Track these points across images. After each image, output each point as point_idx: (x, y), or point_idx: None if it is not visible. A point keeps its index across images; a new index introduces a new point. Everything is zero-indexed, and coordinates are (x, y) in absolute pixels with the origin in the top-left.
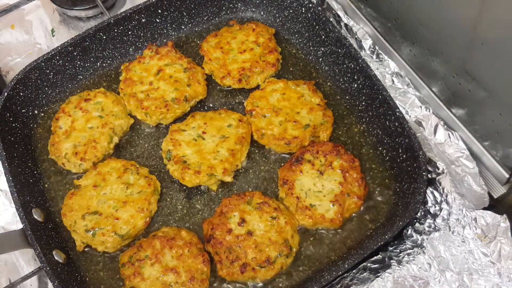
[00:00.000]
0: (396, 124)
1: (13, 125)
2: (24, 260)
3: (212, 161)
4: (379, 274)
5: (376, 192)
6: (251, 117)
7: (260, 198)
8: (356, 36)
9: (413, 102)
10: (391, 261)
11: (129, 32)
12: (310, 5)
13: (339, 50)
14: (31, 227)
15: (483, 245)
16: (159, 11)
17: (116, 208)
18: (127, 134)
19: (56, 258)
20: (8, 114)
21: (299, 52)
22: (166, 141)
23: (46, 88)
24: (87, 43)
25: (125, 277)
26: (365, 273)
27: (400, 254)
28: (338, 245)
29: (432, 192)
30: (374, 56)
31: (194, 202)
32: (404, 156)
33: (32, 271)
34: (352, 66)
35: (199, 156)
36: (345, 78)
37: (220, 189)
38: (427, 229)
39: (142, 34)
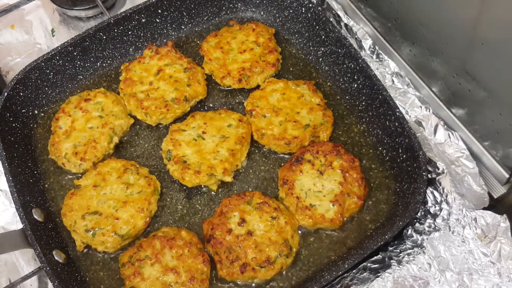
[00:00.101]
0: (396, 124)
1: (13, 125)
2: (24, 260)
3: (212, 161)
4: (379, 274)
5: (376, 192)
6: (251, 117)
7: (260, 198)
8: (356, 36)
9: (413, 102)
10: (391, 261)
11: (129, 32)
12: (310, 5)
13: (339, 50)
14: (31, 227)
15: (483, 245)
16: (159, 11)
17: (116, 208)
18: (127, 134)
19: (56, 258)
20: (8, 114)
21: (299, 52)
22: (166, 141)
23: (46, 88)
24: (87, 43)
25: (125, 277)
26: (365, 273)
27: (400, 254)
28: (338, 245)
29: (432, 192)
30: (374, 56)
31: (194, 202)
32: (404, 156)
33: (32, 271)
34: (352, 66)
35: (199, 156)
36: (345, 78)
37: (220, 189)
38: (427, 229)
39: (142, 34)
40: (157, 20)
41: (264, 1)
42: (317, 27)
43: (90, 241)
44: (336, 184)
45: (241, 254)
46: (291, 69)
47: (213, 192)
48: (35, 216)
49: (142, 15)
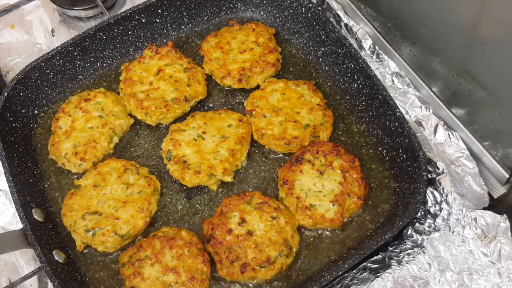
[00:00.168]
0: (396, 124)
1: (13, 125)
2: (24, 260)
3: (212, 161)
4: (379, 274)
5: (376, 192)
6: (251, 117)
7: (260, 198)
8: (356, 36)
9: (413, 102)
10: (391, 261)
11: (129, 32)
12: (310, 5)
13: (339, 50)
14: (31, 227)
15: (483, 245)
16: (159, 11)
17: (116, 208)
18: (127, 134)
19: (56, 258)
20: (8, 114)
21: (299, 52)
22: (166, 141)
23: (46, 88)
24: (87, 43)
25: (125, 277)
26: (365, 273)
27: (400, 254)
28: (338, 245)
29: (432, 192)
30: (374, 56)
31: (194, 202)
32: (404, 156)
33: (32, 271)
34: (352, 66)
35: (199, 156)
36: (345, 78)
37: (220, 189)
38: (427, 229)
39: (142, 34)
40: (157, 20)
41: (264, 1)
42: (317, 27)
43: (90, 241)
44: (336, 184)
45: (241, 254)
46: (291, 69)
47: (213, 192)
48: (35, 216)
49: (142, 15)
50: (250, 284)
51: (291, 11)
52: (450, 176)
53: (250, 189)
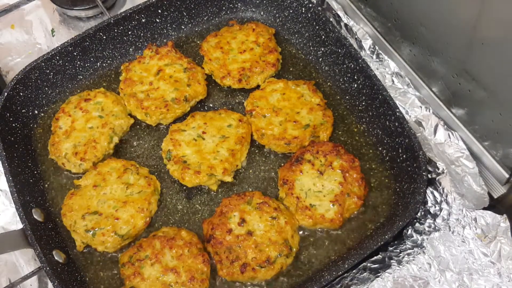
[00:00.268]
0: (396, 124)
1: (13, 125)
2: (24, 260)
3: (212, 161)
4: (379, 274)
5: (376, 192)
6: (251, 117)
7: (260, 198)
8: (356, 36)
9: (413, 102)
10: (391, 261)
11: (129, 32)
12: (310, 5)
13: (339, 50)
14: (31, 227)
15: (483, 245)
16: (159, 11)
17: (116, 208)
18: (127, 134)
19: (56, 258)
20: (8, 114)
21: (299, 52)
22: (166, 141)
23: (46, 88)
24: (87, 43)
25: (125, 277)
26: (365, 273)
27: (400, 254)
28: (338, 245)
29: (432, 192)
30: (374, 56)
31: (194, 202)
32: (404, 156)
33: (32, 271)
34: (352, 66)
35: (199, 156)
36: (345, 78)
37: (220, 189)
38: (427, 229)
39: (142, 34)
40: (157, 20)
41: (264, 1)
42: (317, 27)
43: (90, 241)
44: (336, 184)
45: (241, 254)
46: (291, 69)
47: (213, 192)
48: (35, 216)
49: (142, 15)
50: (250, 284)
51: (291, 11)
52: (450, 176)
53: (250, 189)
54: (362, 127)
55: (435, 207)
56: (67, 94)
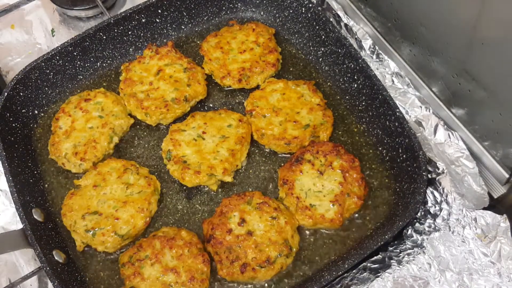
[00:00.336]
0: (396, 124)
1: (13, 125)
2: (24, 260)
3: (212, 161)
4: (379, 274)
5: (376, 192)
6: (251, 117)
7: (260, 198)
8: (356, 36)
9: (413, 102)
10: (391, 261)
11: (129, 32)
12: (310, 5)
13: (339, 50)
14: (31, 227)
15: (483, 245)
16: (159, 11)
17: (116, 208)
18: (127, 134)
19: (56, 258)
20: (8, 114)
21: (299, 52)
22: (166, 141)
23: (46, 88)
24: (87, 43)
25: (125, 277)
26: (365, 273)
27: (400, 254)
28: (338, 245)
29: (432, 192)
30: (374, 56)
31: (194, 202)
32: (404, 156)
33: (32, 271)
34: (352, 66)
35: (199, 156)
36: (345, 78)
37: (220, 189)
38: (427, 229)
39: (142, 34)
40: (157, 20)
41: (264, 1)
42: (317, 27)
43: (90, 241)
44: (336, 184)
45: (241, 254)
46: (291, 69)
47: (213, 192)
48: (35, 216)
49: (142, 15)
50: (250, 284)
51: (291, 11)
52: (450, 176)
53: (250, 189)
54: (362, 127)
55: (435, 207)
56: (67, 94)
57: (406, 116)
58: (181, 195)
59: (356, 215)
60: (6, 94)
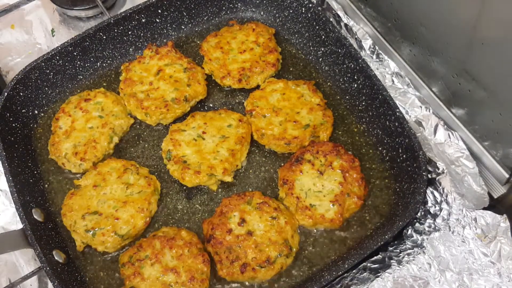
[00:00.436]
0: (396, 124)
1: (13, 125)
2: (24, 260)
3: (212, 161)
4: (379, 274)
5: (376, 192)
6: (251, 117)
7: (260, 198)
8: (356, 36)
9: (413, 102)
10: (391, 261)
11: (129, 32)
12: (310, 5)
13: (339, 50)
14: (31, 227)
15: (483, 245)
16: (159, 11)
17: (116, 208)
18: (127, 134)
19: (56, 258)
20: (8, 114)
21: (299, 52)
22: (166, 141)
23: (46, 88)
24: (87, 43)
25: (125, 277)
26: (365, 273)
27: (400, 254)
28: (338, 245)
29: (432, 192)
30: (374, 56)
31: (194, 202)
32: (404, 156)
33: (32, 271)
34: (352, 66)
35: (199, 156)
36: (345, 78)
37: (220, 189)
38: (427, 229)
39: (142, 34)
40: (157, 20)
41: (264, 1)
42: (317, 27)
43: (90, 241)
44: (336, 184)
45: (241, 254)
46: (291, 69)
47: (213, 192)
48: (35, 216)
49: (142, 15)
50: (249, 284)
51: (291, 11)
52: (450, 176)
53: (250, 189)
54: (362, 127)
55: (435, 207)
56: (67, 94)
57: (406, 116)
58: (181, 195)
59: (356, 215)
60: (6, 94)
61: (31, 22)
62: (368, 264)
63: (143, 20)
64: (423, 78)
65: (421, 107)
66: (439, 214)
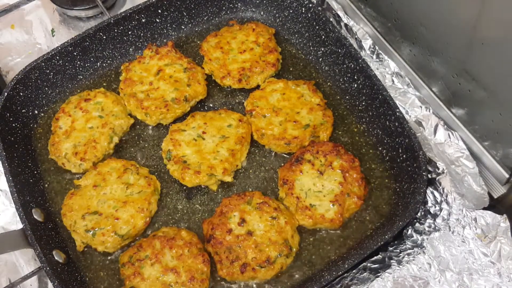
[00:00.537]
0: (396, 124)
1: (13, 125)
2: (24, 260)
3: (212, 161)
4: (379, 274)
5: (376, 192)
6: (251, 117)
7: (260, 198)
8: (356, 36)
9: (413, 102)
10: (391, 261)
11: (129, 32)
12: (310, 5)
13: (339, 50)
14: (31, 227)
15: (483, 245)
16: (159, 11)
17: (116, 208)
18: (127, 134)
19: (56, 258)
20: (8, 114)
21: (299, 52)
22: (166, 141)
23: (46, 88)
24: (87, 43)
25: (125, 277)
26: (365, 273)
27: (400, 254)
28: (338, 245)
29: (432, 192)
30: (374, 56)
31: (194, 202)
32: (404, 156)
33: (32, 271)
34: (352, 66)
35: (199, 156)
36: (345, 78)
37: (220, 189)
38: (427, 229)
39: (142, 34)
40: (157, 20)
41: (264, 1)
42: (317, 27)
43: (90, 241)
44: (336, 184)
45: (241, 254)
46: (291, 69)
47: (213, 192)
48: (35, 216)
49: (142, 15)
50: (250, 284)
51: (291, 11)
52: (450, 176)
53: (250, 189)
54: (362, 127)
55: (435, 207)
56: (67, 94)
57: (406, 116)
58: (181, 195)
59: (356, 215)
60: (6, 94)
61: (31, 22)
62: (368, 264)
63: (143, 20)
64: (423, 78)
65: (421, 107)
66: (439, 214)
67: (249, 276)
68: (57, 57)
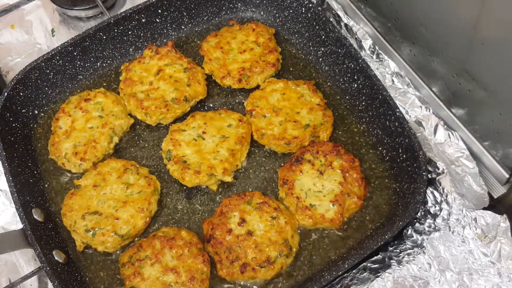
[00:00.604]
0: (396, 124)
1: (13, 125)
2: (24, 260)
3: (212, 161)
4: (379, 274)
5: (376, 192)
6: (251, 117)
7: (260, 198)
8: (356, 36)
9: (413, 102)
10: (391, 261)
11: (129, 32)
12: (310, 5)
13: (339, 50)
14: (31, 227)
15: (483, 245)
16: (159, 11)
17: (116, 208)
18: (127, 134)
19: (56, 258)
20: (8, 114)
21: (299, 52)
22: (166, 141)
23: (46, 88)
24: (87, 43)
25: (125, 277)
26: (365, 273)
27: (400, 254)
28: (338, 245)
29: (432, 192)
30: (374, 56)
31: (194, 202)
32: (404, 156)
33: (32, 271)
34: (352, 66)
35: (199, 156)
36: (345, 78)
37: (220, 189)
38: (427, 229)
39: (142, 34)
40: (157, 20)
41: (264, 1)
42: (317, 27)
43: (90, 241)
44: (336, 184)
45: (241, 254)
46: (291, 69)
47: (213, 192)
48: (35, 216)
49: (142, 15)
50: (250, 284)
51: (291, 11)
52: (450, 176)
53: (250, 189)
54: (362, 127)
55: (435, 207)
56: (67, 94)
57: (406, 116)
58: (181, 195)
59: (356, 215)
60: (6, 94)
61: (31, 22)
62: (368, 264)
63: (143, 20)
64: (423, 78)
65: (421, 107)
66: (439, 214)
67: (249, 276)
68: (57, 57)
